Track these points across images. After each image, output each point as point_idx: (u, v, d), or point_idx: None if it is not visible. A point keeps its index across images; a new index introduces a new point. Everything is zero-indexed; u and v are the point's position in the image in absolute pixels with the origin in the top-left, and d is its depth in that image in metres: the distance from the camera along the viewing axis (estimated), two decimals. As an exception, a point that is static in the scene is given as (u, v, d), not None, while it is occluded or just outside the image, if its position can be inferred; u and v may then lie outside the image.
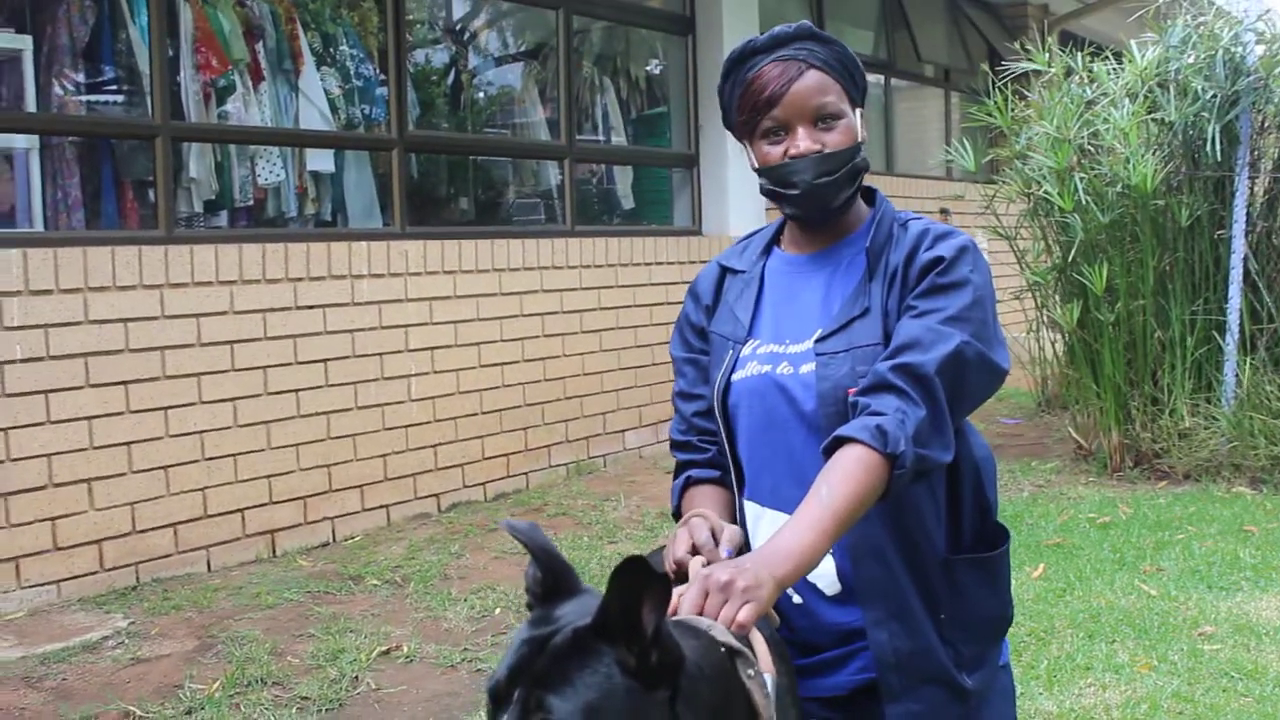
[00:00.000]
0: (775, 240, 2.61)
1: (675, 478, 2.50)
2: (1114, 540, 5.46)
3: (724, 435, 2.45)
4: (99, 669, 4.24)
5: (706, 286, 2.62)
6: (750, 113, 2.36)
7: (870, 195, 2.55)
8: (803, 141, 2.33)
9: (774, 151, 2.40)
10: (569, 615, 1.62)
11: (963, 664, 2.37)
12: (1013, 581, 4.64)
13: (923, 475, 2.23)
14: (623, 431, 7.72)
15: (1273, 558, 5.12)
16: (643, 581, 1.53)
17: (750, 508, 2.44)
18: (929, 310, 2.28)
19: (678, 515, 2.46)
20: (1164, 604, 4.56)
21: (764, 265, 2.56)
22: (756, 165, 2.44)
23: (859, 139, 2.38)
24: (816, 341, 2.37)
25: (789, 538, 2.05)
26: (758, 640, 1.88)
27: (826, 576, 2.36)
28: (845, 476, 2.09)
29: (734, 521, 2.38)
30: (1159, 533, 5.55)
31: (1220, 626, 4.30)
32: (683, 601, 1.89)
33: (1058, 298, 7.40)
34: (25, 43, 5.68)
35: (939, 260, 2.33)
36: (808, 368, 2.36)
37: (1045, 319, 7.84)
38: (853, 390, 2.28)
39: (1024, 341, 8.46)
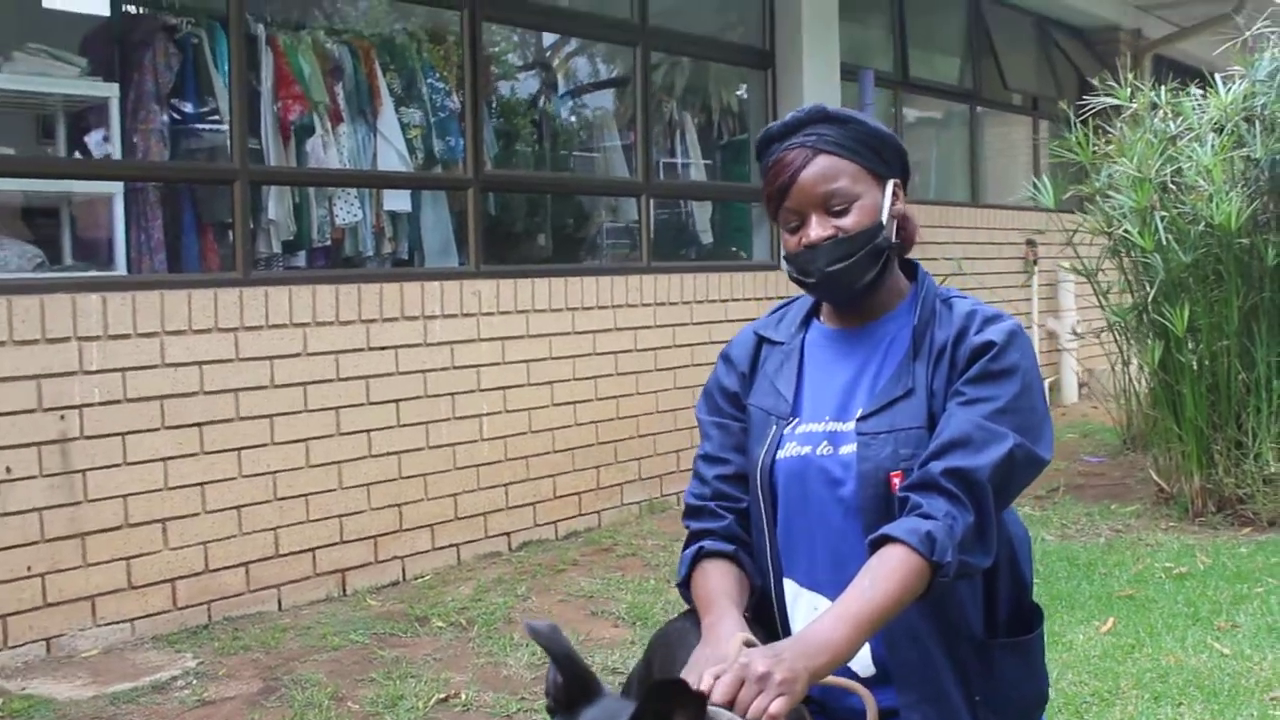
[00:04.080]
0: (814, 311, 2.59)
1: (686, 546, 2.47)
2: (1189, 593, 5.33)
3: (764, 513, 2.43)
4: (165, 710, 4.33)
5: (742, 354, 2.60)
6: (769, 201, 2.39)
7: (912, 269, 2.53)
8: (814, 230, 2.34)
9: (791, 240, 2.41)
10: None
11: (998, 745, 2.35)
12: (1081, 635, 4.56)
13: (962, 578, 2.22)
14: (696, 469, 7.69)
15: (1355, 614, 4.96)
16: (677, 701, 1.56)
17: (788, 585, 2.42)
18: (979, 399, 2.26)
19: (684, 585, 2.44)
20: (1236, 664, 4.44)
21: (803, 338, 2.54)
22: (784, 252, 2.45)
23: (881, 218, 2.36)
24: (858, 421, 2.34)
25: (827, 629, 2.04)
26: None
27: (861, 659, 2.34)
28: (889, 575, 2.09)
29: (744, 599, 2.35)
30: (1237, 585, 5.40)
31: (1294, 690, 4.18)
32: (717, 687, 1.90)
33: (1142, 335, 7.24)
34: (112, 90, 5.83)
35: (990, 345, 2.30)
36: (848, 449, 2.34)
37: (1131, 351, 7.66)
38: (896, 475, 2.27)
39: (1106, 378, 8.31)
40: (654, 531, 6.80)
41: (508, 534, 6.56)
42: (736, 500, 2.48)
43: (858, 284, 2.39)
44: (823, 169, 2.34)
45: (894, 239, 2.41)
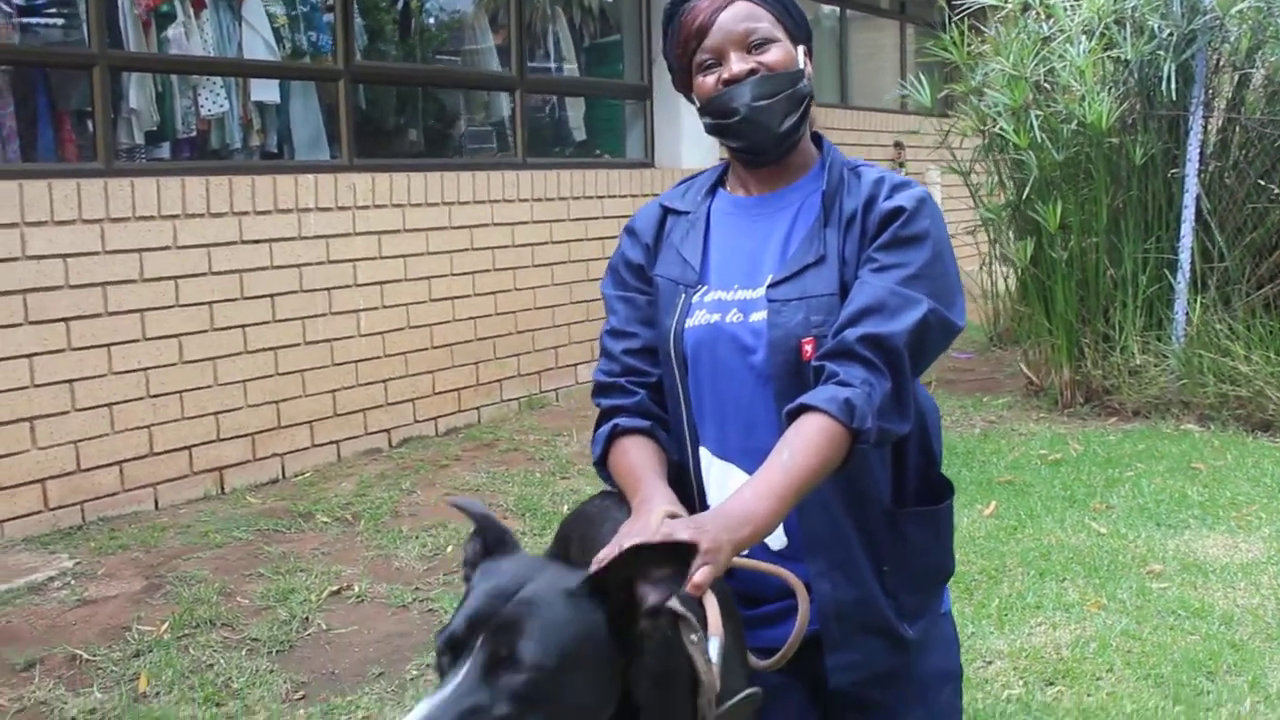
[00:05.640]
0: (720, 183, 2.55)
1: (599, 425, 2.42)
2: (1064, 477, 5.49)
3: (678, 383, 2.40)
4: (44, 610, 4.18)
5: (646, 225, 2.54)
6: (683, 49, 2.33)
7: (818, 141, 2.51)
8: (735, 64, 2.30)
9: (708, 81, 2.35)
10: (517, 571, 1.60)
11: (904, 614, 2.37)
12: (965, 519, 4.66)
13: (881, 445, 2.21)
14: (574, 365, 7.67)
15: (1219, 495, 5.17)
16: (665, 559, 1.58)
17: (702, 455, 2.40)
18: (891, 265, 2.24)
19: (601, 464, 2.40)
20: (1113, 542, 4.59)
21: (709, 206, 2.50)
22: (698, 104, 2.39)
23: (801, 67, 2.33)
24: (768, 288, 2.31)
25: (748, 501, 2.02)
26: (709, 600, 1.87)
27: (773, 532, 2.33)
28: (808, 445, 2.06)
29: (666, 473, 2.32)
30: (1109, 470, 5.59)
31: (1168, 564, 4.34)
32: None
33: (1011, 234, 7.39)
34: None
35: (900, 211, 2.29)
36: (758, 316, 2.31)
37: (998, 253, 7.83)
38: (808, 342, 2.25)
39: (976, 276, 8.47)
40: (535, 427, 6.77)
41: (388, 431, 6.46)
42: (646, 375, 2.44)
43: (779, 126, 2.34)
44: (742, 10, 2.30)
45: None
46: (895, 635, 2.34)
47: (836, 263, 2.28)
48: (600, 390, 2.46)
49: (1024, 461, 5.82)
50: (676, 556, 1.58)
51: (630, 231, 2.56)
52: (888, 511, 2.35)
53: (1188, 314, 6.71)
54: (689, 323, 2.36)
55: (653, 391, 2.43)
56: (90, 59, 5.51)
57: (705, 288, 2.38)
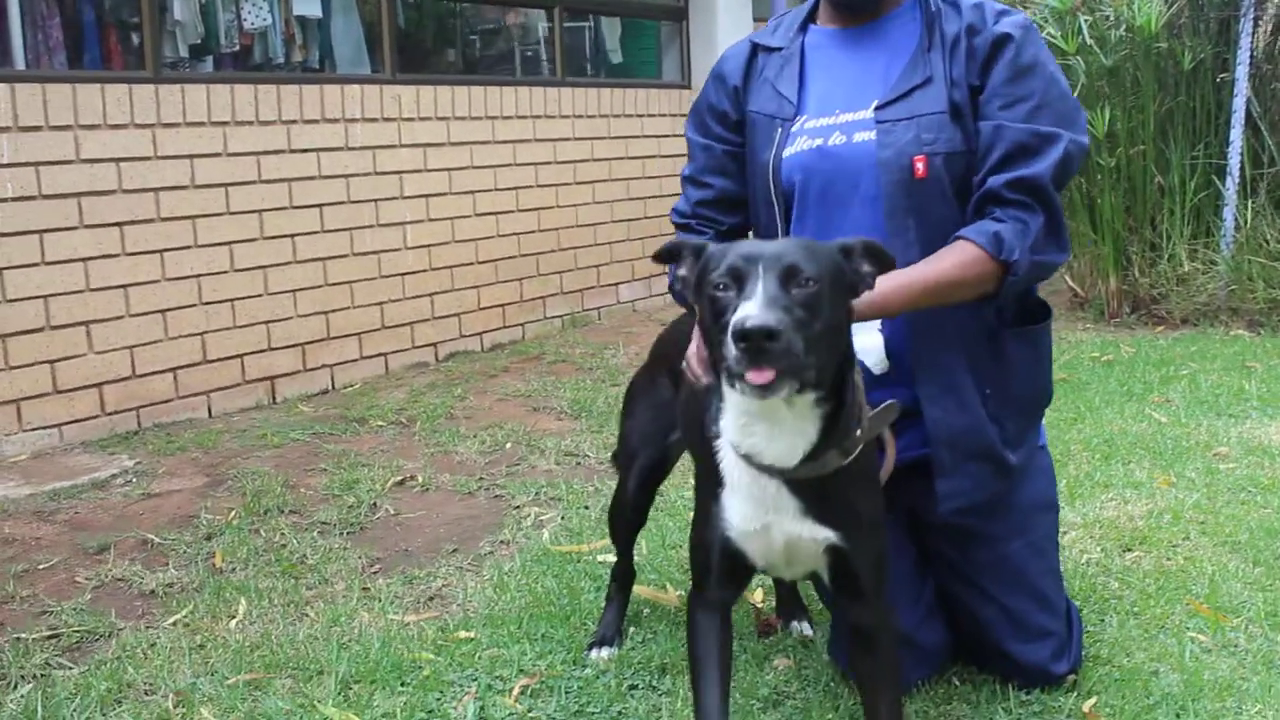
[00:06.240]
0: (810, 18, 2.57)
1: None
2: (1120, 375, 5.47)
3: (778, 214, 2.42)
4: (110, 503, 4.20)
5: (734, 67, 2.58)
6: None
7: None
8: None
9: None
10: (753, 242, 1.94)
11: (1008, 440, 2.41)
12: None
13: (1040, 279, 2.28)
14: (616, 285, 7.66)
15: (1277, 389, 5.13)
16: (874, 257, 1.96)
17: None
18: (1017, 99, 2.30)
19: (674, 290, 2.46)
20: (1176, 430, 4.58)
21: (803, 41, 2.52)
22: None
23: None
24: (877, 110, 2.34)
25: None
26: None
27: (875, 353, 2.36)
28: (945, 262, 2.18)
29: None
30: (1163, 369, 5.56)
31: (1233, 448, 4.32)
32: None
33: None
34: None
35: (1008, 38, 2.33)
36: (863, 135, 2.34)
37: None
38: (919, 160, 2.28)
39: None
40: (580, 342, 6.76)
41: (434, 345, 6.46)
42: (717, 223, 2.55)
43: None
44: None
45: None
46: (1000, 461, 2.36)
47: (944, 83, 2.31)
48: (676, 226, 2.58)
49: (1077, 363, 5.79)
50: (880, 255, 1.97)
51: (717, 76, 2.59)
52: (991, 332, 2.38)
53: (1237, 220, 6.65)
54: (788, 151, 2.38)
55: (721, 236, 2.51)
56: (135, -32, 5.48)
57: (804, 117, 2.40)
